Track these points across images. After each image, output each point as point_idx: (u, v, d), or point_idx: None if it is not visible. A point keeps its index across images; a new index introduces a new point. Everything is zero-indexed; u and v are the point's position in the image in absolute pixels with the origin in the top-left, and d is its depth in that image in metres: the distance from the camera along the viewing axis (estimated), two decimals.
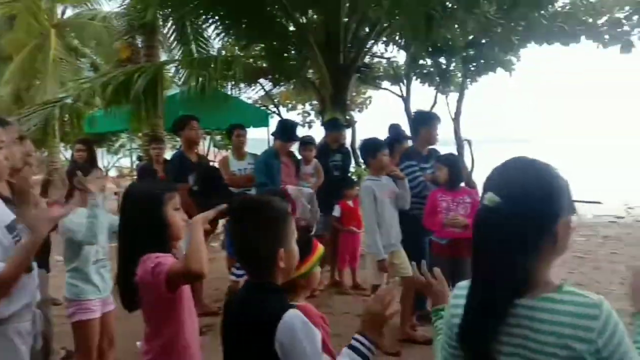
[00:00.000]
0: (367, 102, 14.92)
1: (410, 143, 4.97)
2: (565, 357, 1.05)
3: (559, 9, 9.27)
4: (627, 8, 9.44)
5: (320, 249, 2.01)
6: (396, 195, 4.03)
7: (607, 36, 9.30)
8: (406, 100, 12.23)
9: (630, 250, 6.81)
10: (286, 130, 5.03)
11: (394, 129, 5.83)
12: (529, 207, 1.10)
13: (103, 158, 24.96)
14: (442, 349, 1.29)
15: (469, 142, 11.87)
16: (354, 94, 14.03)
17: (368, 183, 4.02)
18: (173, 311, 1.85)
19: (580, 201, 13.54)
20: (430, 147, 4.64)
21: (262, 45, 8.33)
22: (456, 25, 8.51)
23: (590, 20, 9.51)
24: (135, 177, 8.07)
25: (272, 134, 5.21)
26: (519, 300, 1.11)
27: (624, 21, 9.26)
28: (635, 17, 9.17)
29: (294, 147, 5.49)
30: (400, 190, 4.04)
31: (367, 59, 11.45)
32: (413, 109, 11.80)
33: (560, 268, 5.99)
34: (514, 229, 1.10)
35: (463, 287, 1.25)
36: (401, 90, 12.32)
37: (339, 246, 5.56)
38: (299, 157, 5.45)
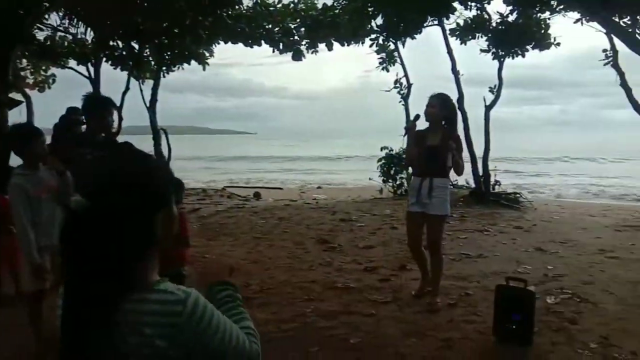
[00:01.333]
0: (50, 80, 13.04)
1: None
2: (151, 355, 1.05)
3: (244, 11, 10.11)
4: (298, 20, 10.99)
5: None
6: (58, 190, 3.58)
7: (281, 43, 10.68)
8: (95, 82, 11.26)
9: (297, 228, 8.03)
10: None
11: (67, 113, 5.24)
12: (119, 203, 1.04)
13: None
14: None
15: (165, 132, 11.80)
16: (31, 70, 12.08)
17: (18, 179, 3.42)
18: None
19: (264, 187, 15.29)
20: (109, 134, 4.32)
21: None
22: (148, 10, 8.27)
23: (270, 26, 10.72)
24: None
25: None
26: (118, 303, 1.05)
27: (294, 31, 10.80)
28: (302, 29, 10.79)
29: None
30: (61, 185, 3.60)
31: (44, 32, 10.02)
32: (106, 93, 10.97)
33: (240, 248, 6.58)
34: (104, 230, 1.03)
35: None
36: (89, 72, 11.26)
37: None
38: None
